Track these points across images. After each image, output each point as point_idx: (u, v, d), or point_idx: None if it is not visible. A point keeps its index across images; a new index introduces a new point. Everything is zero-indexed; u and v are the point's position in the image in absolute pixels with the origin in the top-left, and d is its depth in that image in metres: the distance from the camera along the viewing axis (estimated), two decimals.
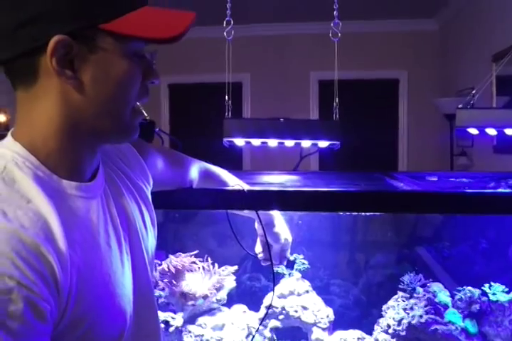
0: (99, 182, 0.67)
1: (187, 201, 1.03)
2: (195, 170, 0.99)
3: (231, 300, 1.42)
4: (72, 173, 0.62)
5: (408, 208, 1.09)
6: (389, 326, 1.30)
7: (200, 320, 1.34)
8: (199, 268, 1.35)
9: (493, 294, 1.28)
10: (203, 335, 1.30)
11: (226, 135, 1.52)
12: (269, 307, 1.30)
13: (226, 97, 1.64)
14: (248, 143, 1.58)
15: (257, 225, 1.08)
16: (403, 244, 1.56)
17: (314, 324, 1.32)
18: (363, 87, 4.91)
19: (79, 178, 0.63)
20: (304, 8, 4.25)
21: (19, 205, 0.54)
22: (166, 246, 1.45)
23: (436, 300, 1.31)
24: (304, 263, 1.38)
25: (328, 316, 1.34)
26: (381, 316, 1.35)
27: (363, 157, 4.67)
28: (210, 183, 1.03)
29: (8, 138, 0.62)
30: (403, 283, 1.36)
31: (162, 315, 1.30)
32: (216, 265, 1.38)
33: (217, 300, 1.36)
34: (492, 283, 1.31)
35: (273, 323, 1.33)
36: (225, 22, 1.64)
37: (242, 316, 1.37)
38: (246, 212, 1.08)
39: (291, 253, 1.27)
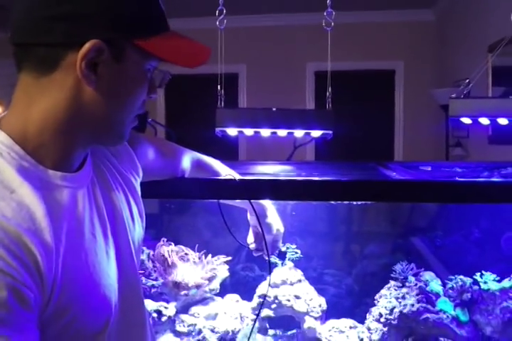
0: (86, 172, 0.67)
1: (178, 190, 1.02)
2: (187, 160, 0.99)
3: (224, 289, 1.42)
4: (59, 164, 0.62)
5: (400, 197, 1.09)
6: (381, 315, 1.31)
7: (193, 309, 1.35)
8: (192, 257, 1.35)
9: (485, 283, 1.29)
10: (195, 325, 1.31)
11: (219, 124, 1.51)
12: (264, 297, 1.30)
13: (218, 87, 1.64)
14: (241, 132, 1.58)
15: (249, 216, 1.08)
16: (396, 234, 1.57)
17: (307, 313, 1.33)
18: (359, 78, 4.90)
19: (65, 169, 0.63)
20: None
21: (2, 196, 0.54)
22: (160, 237, 1.45)
23: (428, 288, 1.32)
24: (296, 253, 1.38)
25: (320, 305, 1.35)
26: (373, 305, 1.36)
27: (359, 147, 4.67)
28: (202, 173, 1.03)
29: None
30: (395, 272, 1.37)
31: (155, 305, 1.30)
32: (210, 255, 1.38)
33: (210, 289, 1.37)
34: (483, 272, 1.31)
35: (265, 312, 1.34)
36: (217, 11, 1.63)
37: (234, 305, 1.37)
38: (239, 202, 1.08)
39: (283, 243, 1.27)
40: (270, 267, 1.07)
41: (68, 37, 0.57)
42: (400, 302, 1.30)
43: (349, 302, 1.46)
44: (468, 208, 1.36)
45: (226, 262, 1.39)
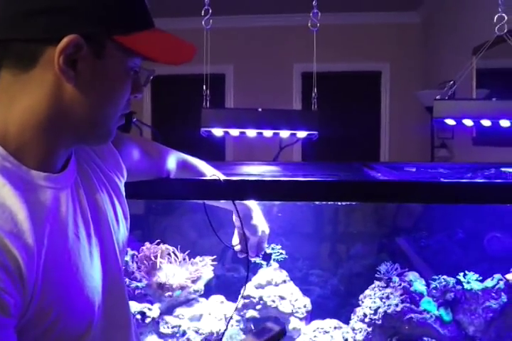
0: (69, 173, 0.66)
1: (163, 191, 1.02)
2: (172, 160, 0.99)
3: (209, 290, 1.42)
4: (41, 164, 0.61)
5: (385, 197, 1.10)
6: (365, 315, 1.31)
7: (178, 310, 1.34)
8: (177, 259, 1.34)
9: (468, 283, 1.30)
10: (180, 326, 1.30)
11: (204, 125, 1.51)
12: (242, 297, 1.30)
13: (204, 87, 1.63)
14: (226, 133, 1.58)
15: (234, 217, 1.08)
16: (381, 234, 1.57)
17: (291, 314, 1.33)
18: (346, 79, 4.93)
19: (49, 169, 0.62)
20: None
21: None
22: (145, 238, 1.44)
23: (412, 289, 1.33)
24: (281, 254, 1.38)
25: (305, 306, 1.35)
26: (358, 305, 1.37)
27: (345, 148, 4.70)
28: (187, 174, 1.03)
29: None
30: (380, 272, 1.37)
31: (139, 306, 1.29)
32: (198, 257, 1.37)
33: (194, 290, 1.36)
34: (467, 272, 1.33)
35: (250, 313, 1.34)
36: (203, 11, 1.62)
37: (219, 306, 1.37)
38: (224, 203, 1.07)
39: (269, 244, 1.27)
40: (249, 268, 1.06)
41: (46, 32, 0.56)
42: (384, 303, 1.31)
43: (334, 302, 1.46)
44: (452, 209, 1.38)
45: (211, 263, 1.39)
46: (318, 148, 3.51)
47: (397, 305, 1.29)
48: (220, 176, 1.04)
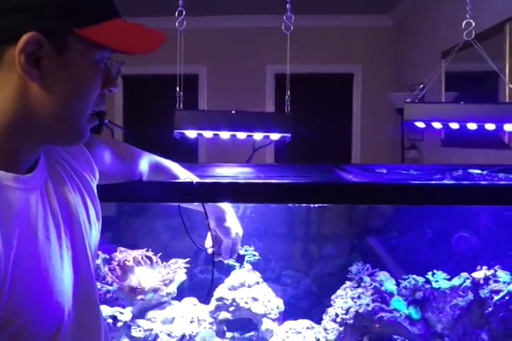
0: (39, 173, 0.64)
1: (136, 194, 1.01)
2: (145, 162, 0.98)
3: (182, 293, 1.41)
4: (8, 164, 0.59)
5: (356, 199, 1.12)
6: (337, 315, 1.33)
7: (150, 314, 1.33)
8: (148, 261, 1.33)
9: (436, 281, 1.33)
10: (152, 329, 1.29)
11: (177, 127, 1.50)
12: (209, 299, 1.30)
13: (177, 88, 1.62)
14: (200, 135, 1.57)
15: (209, 219, 1.08)
16: (353, 235, 1.60)
17: (264, 315, 1.33)
18: (318, 81, 4.97)
19: (17, 170, 0.60)
20: (261, 0, 4.24)
21: None
22: (116, 240, 1.42)
23: (382, 288, 1.35)
24: (254, 255, 1.39)
25: (278, 307, 1.36)
26: (330, 305, 1.38)
27: (317, 150, 4.74)
28: (160, 176, 1.02)
29: None
30: (351, 272, 1.39)
31: (110, 310, 1.27)
32: (172, 260, 1.36)
33: (167, 293, 1.35)
34: (435, 271, 1.36)
35: (223, 315, 1.34)
36: (177, 12, 1.61)
37: (192, 309, 1.36)
38: (197, 205, 1.07)
39: (242, 245, 1.27)
40: (213, 272, 1.07)
41: (3, 32, 0.55)
42: (355, 302, 1.33)
43: (306, 303, 1.47)
44: (422, 210, 1.41)
45: (184, 266, 1.38)
46: (290, 149, 3.53)
47: (368, 305, 1.31)
48: (194, 178, 1.03)
